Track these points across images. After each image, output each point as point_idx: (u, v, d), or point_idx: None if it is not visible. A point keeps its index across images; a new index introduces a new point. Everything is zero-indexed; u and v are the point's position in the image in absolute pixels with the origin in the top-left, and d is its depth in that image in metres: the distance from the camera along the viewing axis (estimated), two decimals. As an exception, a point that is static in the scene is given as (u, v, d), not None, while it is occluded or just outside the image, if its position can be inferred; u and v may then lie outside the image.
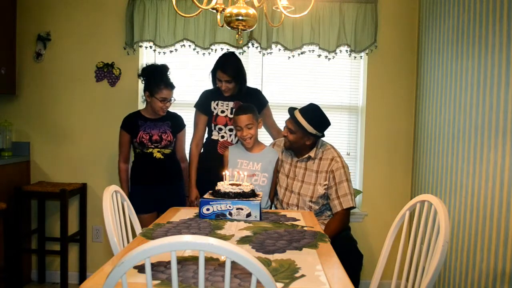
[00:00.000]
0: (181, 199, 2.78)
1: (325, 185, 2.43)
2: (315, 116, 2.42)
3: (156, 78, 2.64)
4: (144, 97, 2.71)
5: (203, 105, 2.73)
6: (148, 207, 2.67)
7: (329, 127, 2.50)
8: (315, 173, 2.46)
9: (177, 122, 2.79)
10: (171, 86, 2.66)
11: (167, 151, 2.71)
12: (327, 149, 2.49)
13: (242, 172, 2.28)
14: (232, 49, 3.14)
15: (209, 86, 2.79)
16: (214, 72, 2.67)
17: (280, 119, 3.04)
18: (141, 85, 3.21)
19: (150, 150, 2.68)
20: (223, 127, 2.68)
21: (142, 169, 2.72)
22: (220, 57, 2.70)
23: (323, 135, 2.48)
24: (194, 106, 2.77)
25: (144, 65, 2.77)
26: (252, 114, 2.46)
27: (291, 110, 2.46)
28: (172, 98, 2.69)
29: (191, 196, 2.70)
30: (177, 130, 2.78)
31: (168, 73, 2.72)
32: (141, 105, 3.24)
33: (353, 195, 2.43)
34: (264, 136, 3.00)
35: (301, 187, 2.47)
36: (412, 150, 3.23)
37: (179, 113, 2.89)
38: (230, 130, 2.68)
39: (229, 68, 2.61)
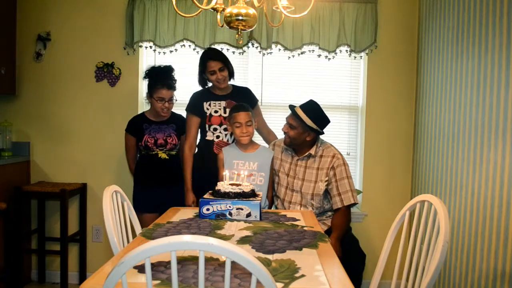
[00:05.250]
0: (183, 199, 2.77)
1: (326, 181, 2.43)
2: (316, 112, 2.46)
3: (155, 78, 2.63)
4: (146, 99, 2.71)
5: (195, 107, 2.68)
6: (150, 207, 2.66)
7: (329, 126, 2.54)
8: (316, 170, 2.46)
9: (182, 125, 2.75)
10: (168, 86, 2.61)
11: (173, 152, 2.71)
12: (327, 147, 2.51)
13: (243, 171, 2.28)
14: (232, 49, 3.14)
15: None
16: (203, 68, 2.64)
17: (280, 118, 3.04)
18: (141, 85, 3.22)
19: (156, 152, 2.68)
20: (218, 126, 2.65)
21: (147, 170, 2.71)
22: (203, 54, 2.71)
23: (323, 132, 2.49)
24: (186, 109, 2.71)
25: (150, 67, 2.74)
26: (251, 112, 2.47)
27: (292, 107, 2.49)
28: (174, 99, 2.67)
29: (188, 200, 2.63)
30: (182, 132, 2.75)
31: (173, 74, 2.71)
32: (141, 106, 3.24)
33: (355, 192, 2.44)
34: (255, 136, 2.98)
35: (302, 185, 2.47)
36: (412, 150, 3.23)
37: (179, 114, 2.89)
38: (225, 129, 2.65)
39: (217, 54, 2.64)
